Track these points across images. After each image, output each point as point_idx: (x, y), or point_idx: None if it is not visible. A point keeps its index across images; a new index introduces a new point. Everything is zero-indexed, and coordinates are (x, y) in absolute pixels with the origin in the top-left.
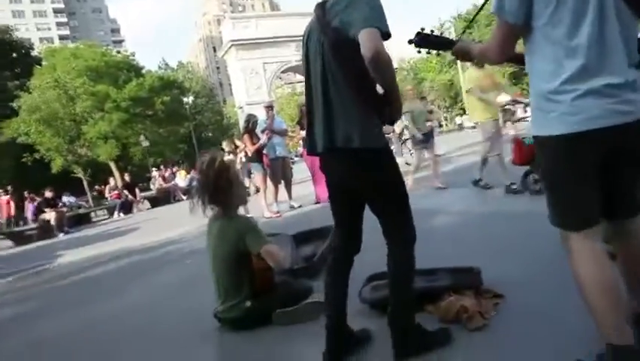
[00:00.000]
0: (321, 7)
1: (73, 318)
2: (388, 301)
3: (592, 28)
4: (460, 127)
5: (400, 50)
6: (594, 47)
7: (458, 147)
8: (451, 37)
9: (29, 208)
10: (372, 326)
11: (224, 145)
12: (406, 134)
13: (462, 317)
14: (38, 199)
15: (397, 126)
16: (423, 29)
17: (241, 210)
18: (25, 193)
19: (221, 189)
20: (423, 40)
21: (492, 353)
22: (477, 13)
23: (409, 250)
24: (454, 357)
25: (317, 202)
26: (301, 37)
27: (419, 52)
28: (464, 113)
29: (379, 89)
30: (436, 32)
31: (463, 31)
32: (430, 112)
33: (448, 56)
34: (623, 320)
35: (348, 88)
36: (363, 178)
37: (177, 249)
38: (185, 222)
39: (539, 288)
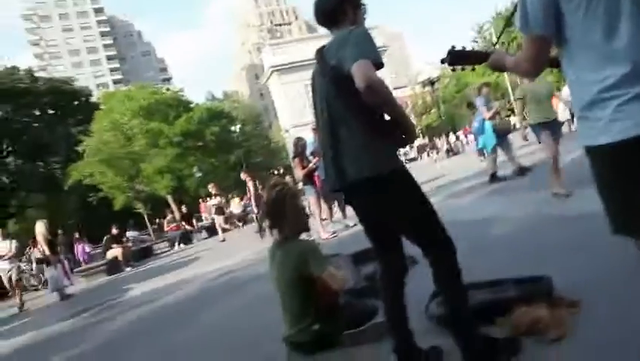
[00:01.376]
0: (319, 52)
1: (151, 347)
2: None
3: (631, 25)
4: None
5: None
6: (635, 48)
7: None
8: (484, 49)
9: (78, 250)
10: (441, 342)
11: (210, 188)
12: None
13: (536, 329)
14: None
15: None
16: (454, 47)
17: (303, 236)
18: (76, 235)
19: (280, 215)
20: (455, 57)
21: None
22: (514, 11)
23: (450, 261)
24: None
25: None
26: None
27: (453, 70)
28: (513, 113)
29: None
30: (475, 35)
31: (502, 32)
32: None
33: None
34: None
35: (352, 120)
36: (383, 205)
37: (238, 275)
38: (243, 249)
39: (615, 292)
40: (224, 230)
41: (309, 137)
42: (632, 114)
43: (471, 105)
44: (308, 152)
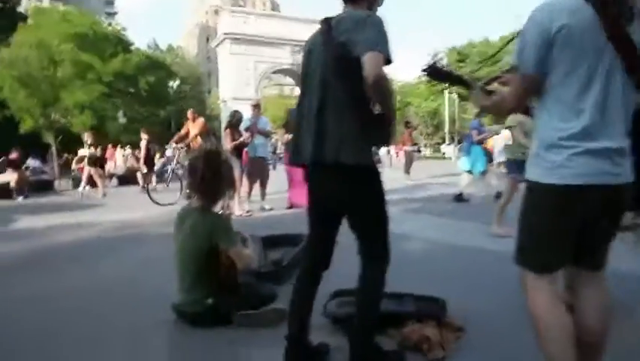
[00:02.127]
0: (326, 23)
1: (23, 288)
2: (352, 318)
3: (598, 95)
4: (443, 156)
5: (388, 71)
6: (598, 112)
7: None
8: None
9: None
10: (331, 340)
11: (86, 137)
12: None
13: (422, 346)
14: None
15: None
16: (440, 59)
17: (219, 206)
18: None
19: (209, 183)
20: (436, 72)
21: None
22: (493, 55)
23: (382, 270)
24: None
25: (289, 207)
26: (296, 43)
27: (429, 81)
28: (443, 142)
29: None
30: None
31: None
32: None
33: (439, 85)
34: None
35: (345, 104)
36: (349, 194)
37: (140, 231)
38: (150, 206)
39: (500, 324)
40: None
41: (247, 113)
42: (579, 165)
43: (408, 124)
44: (242, 127)
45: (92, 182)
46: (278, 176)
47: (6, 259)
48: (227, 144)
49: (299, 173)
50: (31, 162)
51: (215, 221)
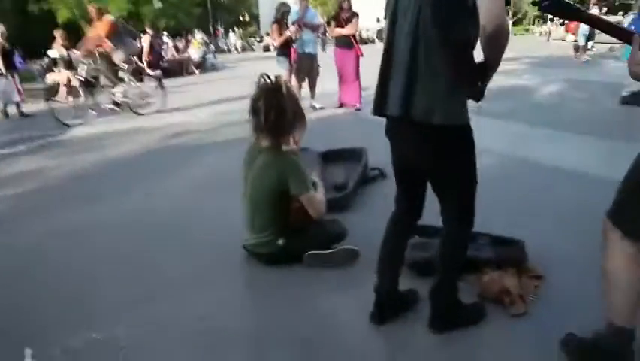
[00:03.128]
0: None
1: (87, 213)
2: (428, 264)
3: None
4: None
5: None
6: None
7: None
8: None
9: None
10: (406, 285)
11: (57, 35)
12: None
13: (503, 299)
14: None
15: None
16: None
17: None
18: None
19: (271, 120)
20: (554, 4)
21: (526, 340)
22: None
23: (466, 233)
24: (491, 336)
25: (340, 106)
26: None
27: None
28: None
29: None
30: None
31: None
32: None
33: None
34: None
35: (443, 55)
36: (436, 155)
37: (195, 139)
38: (203, 104)
39: (579, 269)
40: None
41: (294, 6)
42: None
43: None
44: (289, 20)
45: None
46: (326, 73)
47: (65, 175)
48: (274, 39)
49: (350, 71)
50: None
51: (286, 164)
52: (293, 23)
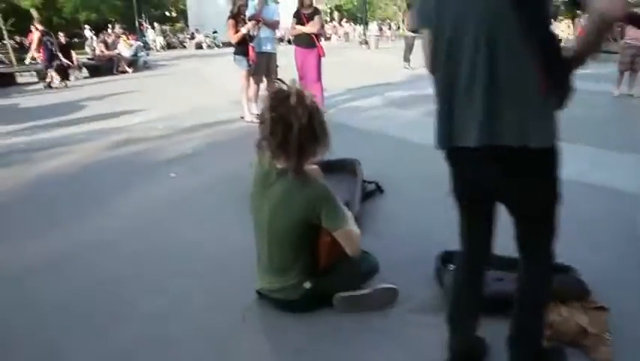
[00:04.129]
0: None
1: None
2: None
3: None
4: None
5: None
6: None
7: None
8: None
9: None
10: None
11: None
12: None
13: (581, 342)
14: None
15: None
16: None
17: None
18: None
19: (280, 135)
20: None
21: None
22: None
23: (549, 270)
24: None
25: None
26: None
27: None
28: None
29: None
30: None
31: None
32: None
33: None
34: None
35: (531, 56)
36: (524, 182)
37: (152, 147)
38: (148, 105)
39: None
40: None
41: (252, 1)
42: None
43: (409, 6)
44: (247, 15)
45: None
46: (282, 74)
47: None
48: (231, 36)
49: (311, 72)
50: None
51: (317, 192)
52: (250, 19)
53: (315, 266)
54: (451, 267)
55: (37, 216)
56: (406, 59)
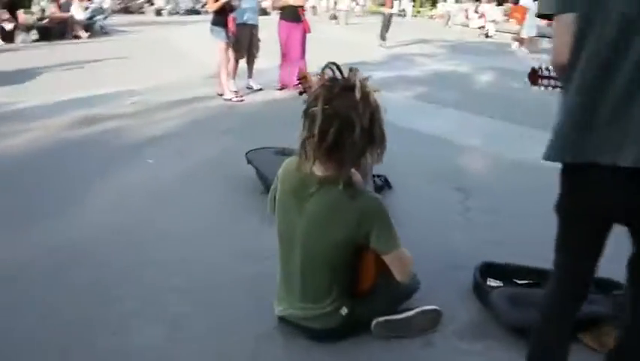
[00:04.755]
0: None
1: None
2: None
3: None
4: None
5: None
6: None
7: None
8: None
9: None
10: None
11: None
12: None
13: None
14: None
15: None
16: None
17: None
18: None
19: (333, 138)
20: None
21: None
22: None
23: None
24: None
25: (281, 88)
26: None
27: None
28: None
29: None
30: None
31: None
32: None
33: None
34: None
35: None
36: None
37: (123, 127)
38: (111, 76)
39: None
40: None
41: None
42: None
43: None
44: None
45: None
46: (267, 47)
47: None
48: (208, 5)
49: (296, 49)
50: None
51: (369, 208)
52: None
53: (354, 289)
54: (492, 282)
55: None
56: (383, 37)
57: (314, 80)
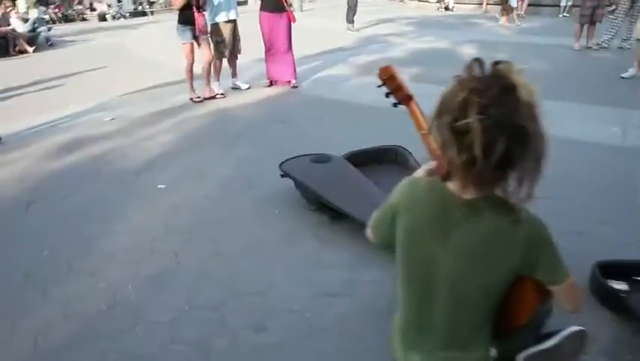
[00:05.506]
0: None
1: None
2: None
3: None
4: None
5: None
6: None
7: None
8: None
9: None
10: None
11: None
12: None
13: None
14: None
15: None
16: None
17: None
18: None
19: (503, 152)
20: None
21: None
22: None
23: None
24: None
25: (270, 84)
26: None
27: None
28: None
29: None
30: None
31: None
32: None
33: None
34: None
35: None
36: None
37: (114, 148)
38: (75, 93)
39: None
40: None
41: None
42: None
43: None
44: None
45: None
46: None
47: None
48: (173, 2)
49: (281, 41)
50: None
51: (536, 232)
52: None
53: (504, 323)
54: (616, 284)
55: None
56: (350, 20)
57: (400, 79)
